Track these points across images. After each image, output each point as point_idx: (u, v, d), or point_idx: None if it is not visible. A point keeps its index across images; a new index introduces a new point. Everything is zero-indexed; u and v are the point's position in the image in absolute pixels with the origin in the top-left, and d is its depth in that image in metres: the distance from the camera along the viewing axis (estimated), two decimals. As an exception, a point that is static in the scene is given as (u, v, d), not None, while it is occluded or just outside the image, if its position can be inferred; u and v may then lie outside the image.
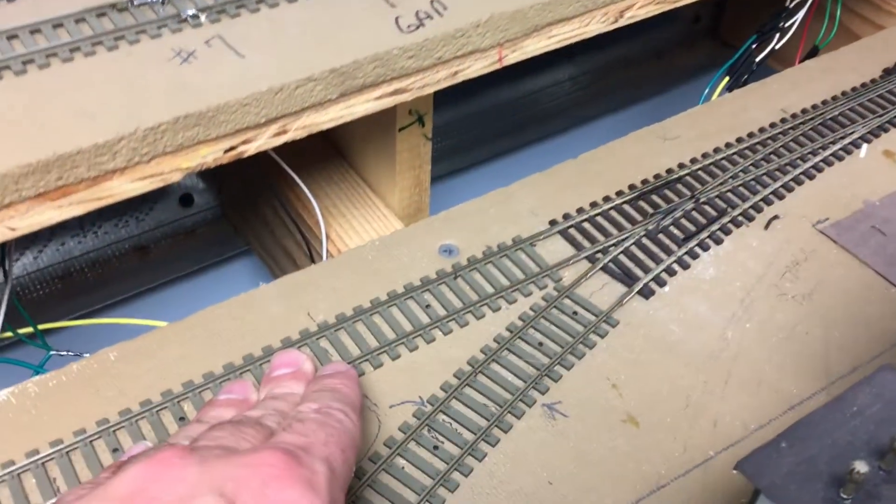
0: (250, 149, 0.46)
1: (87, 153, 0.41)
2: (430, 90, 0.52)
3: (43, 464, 0.42)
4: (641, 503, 0.43)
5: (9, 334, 0.54)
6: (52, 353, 0.56)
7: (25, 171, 0.39)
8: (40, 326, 0.56)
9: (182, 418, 0.45)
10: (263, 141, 0.46)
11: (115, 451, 0.43)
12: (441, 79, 0.52)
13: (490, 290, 0.52)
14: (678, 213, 0.58)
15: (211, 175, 0.77)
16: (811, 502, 0.31)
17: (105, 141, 0.41)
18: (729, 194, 0.60)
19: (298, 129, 0.47)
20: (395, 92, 0.50)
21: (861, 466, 0.30)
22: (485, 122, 0.91)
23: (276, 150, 0.59)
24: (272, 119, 0.46)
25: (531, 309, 0.51)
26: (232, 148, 0.45)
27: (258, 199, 0.69)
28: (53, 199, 0.41)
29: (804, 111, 0.67)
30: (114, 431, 0.44)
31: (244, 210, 0.74)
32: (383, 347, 0.48)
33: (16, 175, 0.39)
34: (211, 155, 0.45)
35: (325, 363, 0.47)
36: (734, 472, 0.33)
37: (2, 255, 0.54)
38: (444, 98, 0.64)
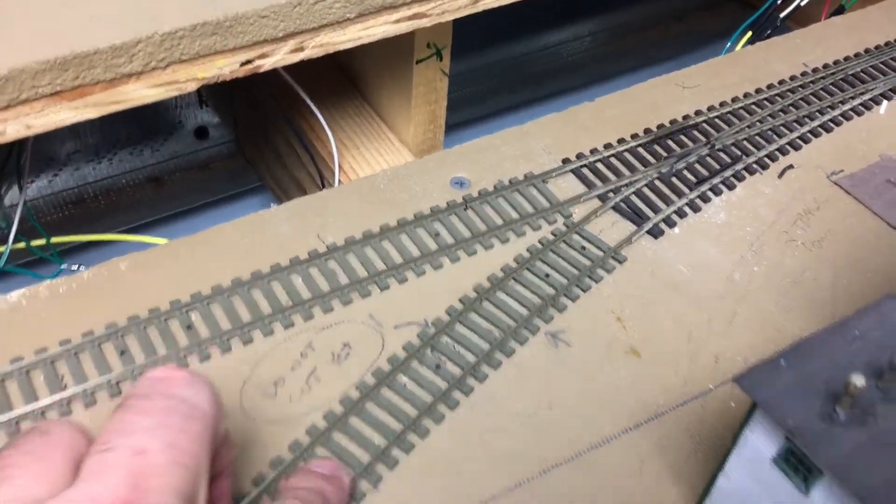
0: (266, 63, 0.46)
1: (104, 54, 0.41)
2: (450, 17, 0.52)
3: (52, 361, 0.43)
4: (639, 429, 0.43)
5: (22, 245, 0.54)
6: (63, 266, 0.56)
7: (43, 67, 0.40)
8: (52, 240, 0.57)
9: (189, 327, 0.45)
10: (280, 56, 0.46)
11: (122, 353, 0.43)
12: (461, 6, 0.51)
13: (499, 221, 0.52)
14: (692, 158, 0.58)
15: (226, 109, 0.77)
16: (807, 416, 0.31)
17: (122, 42, 0.41)
18: (745, 142, 0.59)
19: (315, 47, 0.47)
20: (415, 16, 0.50)
21: (858, 380, 0.30)
22: (502, 72, 0.91)
23: (292, 78, 0.60)
24: (290, 34, 0.46)
25: (539, 242, 0.51)
26: (248, 61, 0.45)
27: (271, 131, 0.69)
28: (70, 99, 0.41)
29: (826, 66, 0.67)
30: (122, 336, 0.44)
31: (258, 143, 0.74)
32: (390, 270, 0.49)
33: (33, 70, 0.40)
34: (227, 67, 0.45)
35: (333, 285, 0.48)
36: (732, 383, 0.33)
37: (17, 166, 0.54)
38: (462, 46, 0.63)
